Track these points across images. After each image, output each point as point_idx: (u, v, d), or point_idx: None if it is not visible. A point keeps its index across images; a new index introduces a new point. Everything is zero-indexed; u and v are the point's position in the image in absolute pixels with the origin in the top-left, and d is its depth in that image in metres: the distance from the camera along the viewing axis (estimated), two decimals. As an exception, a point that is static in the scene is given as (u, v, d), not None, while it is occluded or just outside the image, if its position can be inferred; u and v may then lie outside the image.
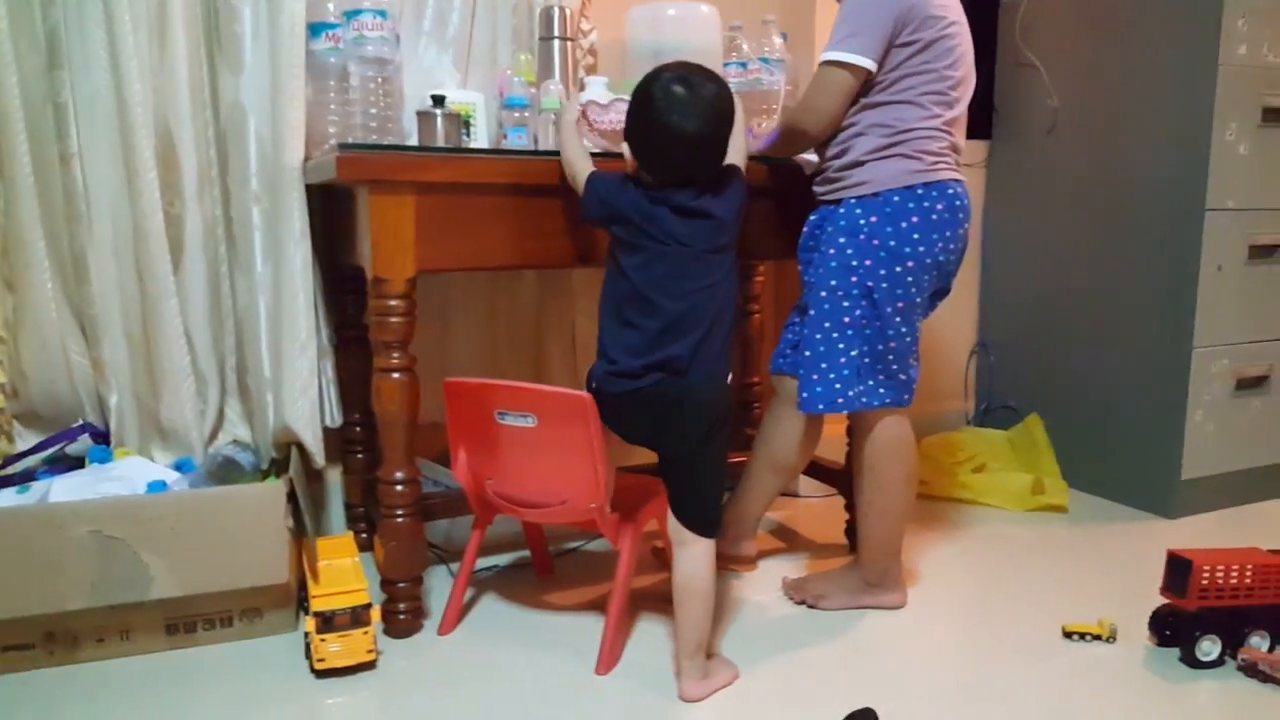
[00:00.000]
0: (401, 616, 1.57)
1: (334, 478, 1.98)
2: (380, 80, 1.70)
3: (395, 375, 1.51)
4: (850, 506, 2.00)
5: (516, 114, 1.79)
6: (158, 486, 1.58)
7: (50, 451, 1.66)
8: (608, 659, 1.48)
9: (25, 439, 1.70)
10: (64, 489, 1.55)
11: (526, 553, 1.90)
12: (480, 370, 2.04)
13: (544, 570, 1.87)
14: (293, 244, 1.70)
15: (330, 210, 1.80)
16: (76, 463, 1.66)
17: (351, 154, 1.44)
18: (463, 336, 2.07)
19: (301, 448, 1.76)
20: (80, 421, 1.71)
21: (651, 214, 1.36)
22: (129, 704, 1.38)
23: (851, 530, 2.01)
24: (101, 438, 1.71)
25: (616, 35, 2.07)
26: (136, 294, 1.70)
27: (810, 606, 1.71)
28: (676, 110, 1.32)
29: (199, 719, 1.34)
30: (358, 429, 1.93)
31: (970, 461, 2.47)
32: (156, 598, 1.48)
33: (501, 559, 1.93)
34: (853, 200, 1.56)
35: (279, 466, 1.77)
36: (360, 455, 1.94)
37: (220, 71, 1.71)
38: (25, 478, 1.62)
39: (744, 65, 2.03)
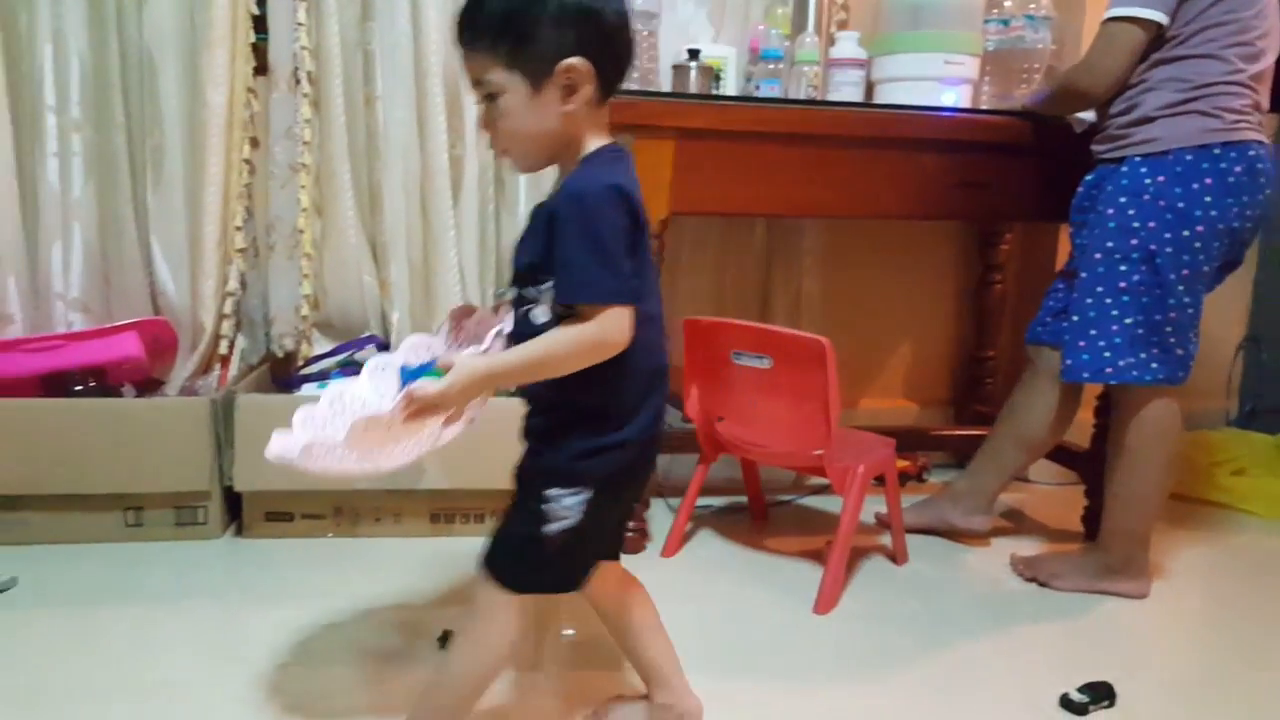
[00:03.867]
0: (630, 534, 1.73)
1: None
2: (646, 34, 1.84)
3: (643, 309, 1.65)
4: (1091, 492, 1.94)
5: (770, 66, 1.87)
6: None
7: (342, 356, 1.96)
8: (827, 599, 1.56)
9: (320, 345, 2.01)
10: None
11: (740, 499, 2.01)
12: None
13: (759, 516, 1.97)
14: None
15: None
16: (360, 369, 1.95)
17: (622, 99, 1.58)
18: (690, 287, 2.19)
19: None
20: (368, 333, 1.99)
21: None
22: (399, 577, 1.62)
23: (1090, 517, 1.94)
24: (383, 349, 1.98)
25: (871, -9, 2.10)
26: (420, 226, 1.95)
27: (1041, 585, 1.69)
28: None
29: (455, 598, 1.55)
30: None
31: (1230, 464, 2.30)
32: (426, 488, 1.72)
33: (715, 501, 2.05)
34: (1138, 159, 1.52)
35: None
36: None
37: (503, 24, 1.92)
38: (321, 377, 1.92)
39: (1005, 23, 2.00)
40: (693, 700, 1.19)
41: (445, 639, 1.36)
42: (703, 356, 1.68)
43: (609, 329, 0.92)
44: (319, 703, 1.24)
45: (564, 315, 0.94)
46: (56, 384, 1.72)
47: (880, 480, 1.73)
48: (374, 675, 1.31)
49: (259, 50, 1.90)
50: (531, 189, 1.95)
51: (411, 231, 1.96)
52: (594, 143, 0.96)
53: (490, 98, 0.94)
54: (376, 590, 1.56)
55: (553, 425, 1.01)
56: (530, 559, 1.01)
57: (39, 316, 1.88)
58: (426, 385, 0.92)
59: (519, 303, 0.98)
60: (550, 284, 0.93)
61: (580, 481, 0.99)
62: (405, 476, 1.71)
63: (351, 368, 1.95)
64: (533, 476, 1.02)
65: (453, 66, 1.91)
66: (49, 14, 1.79)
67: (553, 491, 0.98)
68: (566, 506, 0.98)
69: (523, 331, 0.96)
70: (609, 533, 1.12)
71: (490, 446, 1.70)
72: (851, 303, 2.30)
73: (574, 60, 0.91)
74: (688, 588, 1.63)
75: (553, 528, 0.98)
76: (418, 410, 0.94)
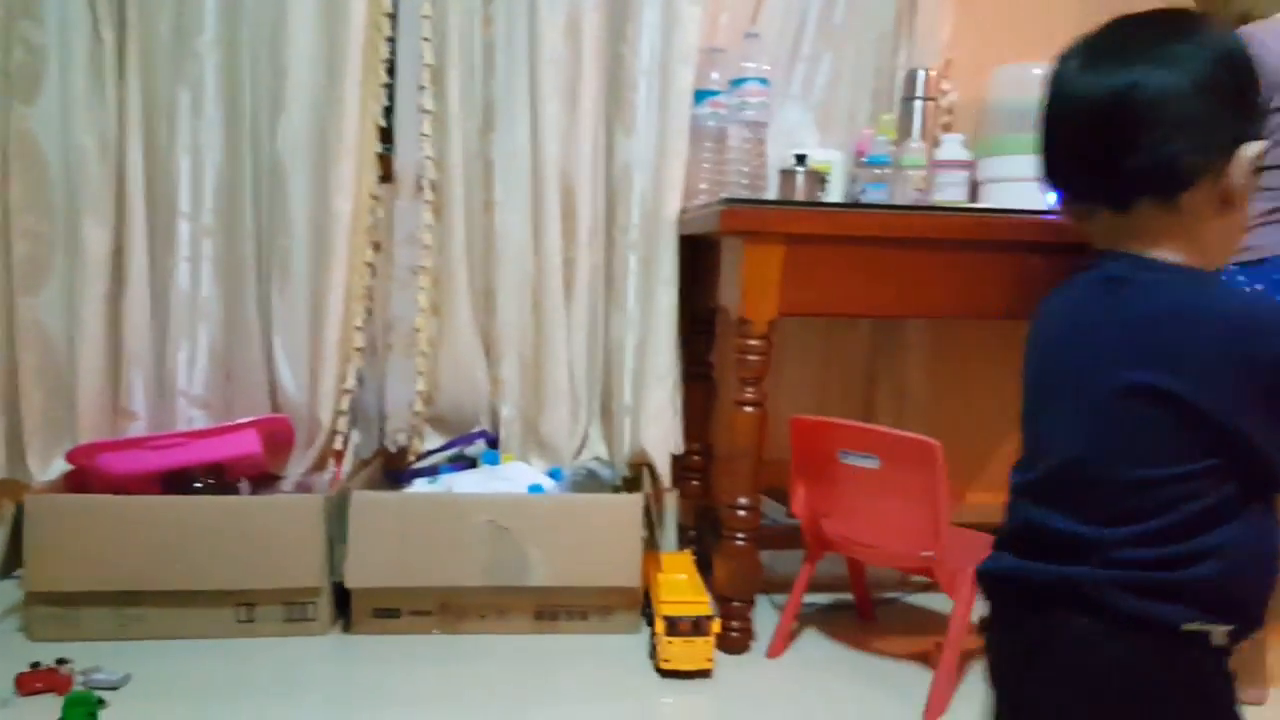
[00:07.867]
0: (734, 634, 1.84)
1: (669, 501, 2.31)
2: (754, 141, 2.04)
3: (748, 409, 1.80)
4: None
5: (877, 171, 2.04)
6: (536, 489, 1.99)
7: (452, 451, 2.15)
8: (938, 704, 1.62)
9: (431, 440, 2.21)
10: (463, 483, 2.00)
11: (845, 596, 2.09)
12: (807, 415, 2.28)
13: (865, 615, 2.05)
14: (662, 286, 2.07)
15: (689, 257, 2.16)
16: (470, 463, 2.13)
17: (734, 207, 1.76)
18: (794, 381, 2.32)
19: (651, 469, 2.11)
20: (478, 428, 2.19)
21: None
22: (502, 675, 1.75)
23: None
24: (492, 443, 2.17)
25: (975, 95, 2.27)
26: (531, 326, 2.15)
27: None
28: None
29: (557, 698, 1.67)
30: (694, 457, 2.25)
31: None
32: (533, 585, 1.86)
33: (821, 598, 2.13)
34: (1234, 266, 1.59)
35: (629, 484, 2.12)
36: (695, 482, 2.26)
37: (616, 134, 2.15)
38: (431, 471, 2.11)
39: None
40: None
41: None
42: (810, 454, 1.80)
43: None
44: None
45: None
46: (177, 482, 1.90)
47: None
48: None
49: (385, 160, 2.16)
50: (640, 289, 2.14)
51: (524, 331, 2.16)
52: None
53: None
54: (480, 692, 1.68)
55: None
56: None
57: (162, 413, 2.08)
58: None
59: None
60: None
61: None
62: (514, 573, 1.85)
63: (461, 462, 2.14)
64: None
65: (569, 174, 2.12)
66: (189, 127, 2.02)
67: None
68: None
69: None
70: None
71: (595, 544, 1.86)
72: (957, 397, 2.39)
73: None
74: (793, 689, 1.72)
75: None
76: None
